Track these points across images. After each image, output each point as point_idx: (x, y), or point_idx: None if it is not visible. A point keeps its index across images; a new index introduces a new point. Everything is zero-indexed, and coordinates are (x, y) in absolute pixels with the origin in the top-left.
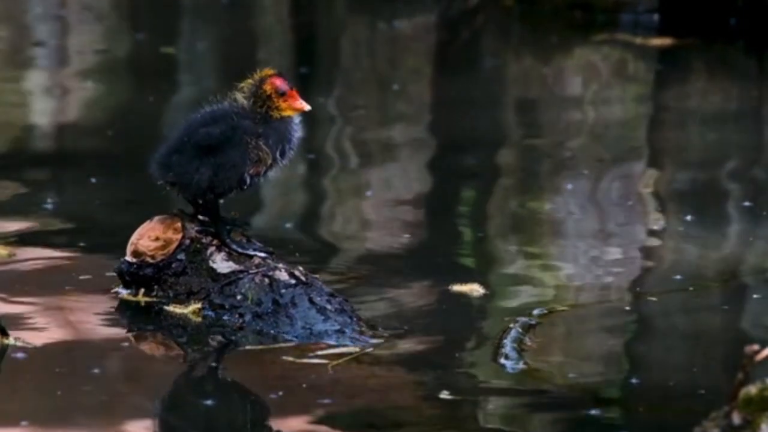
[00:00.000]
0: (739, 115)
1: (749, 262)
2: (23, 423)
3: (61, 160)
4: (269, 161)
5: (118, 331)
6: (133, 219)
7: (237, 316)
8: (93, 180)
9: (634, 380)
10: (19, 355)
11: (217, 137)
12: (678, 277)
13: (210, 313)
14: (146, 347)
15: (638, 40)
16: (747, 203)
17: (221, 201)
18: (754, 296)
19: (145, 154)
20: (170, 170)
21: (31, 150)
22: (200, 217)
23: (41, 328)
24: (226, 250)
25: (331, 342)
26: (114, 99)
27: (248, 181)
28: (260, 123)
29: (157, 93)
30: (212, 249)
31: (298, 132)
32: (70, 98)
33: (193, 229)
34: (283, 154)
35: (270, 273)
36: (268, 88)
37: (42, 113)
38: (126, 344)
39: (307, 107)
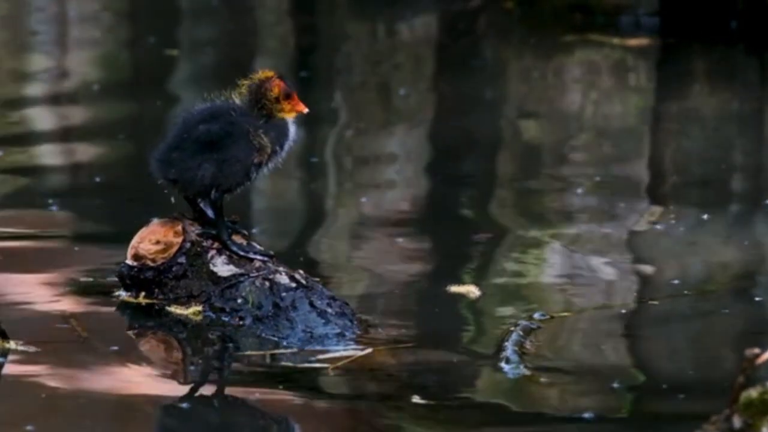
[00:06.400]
0: (740, 117)
1: (749, 266)
2: (28, 428)
3: (67, 161)
4: (269, 150)
5: (119, 334)
6: (135, 220)
7: (237, 319)
8: (97, 179)
9: (634, 384)
10: (20, 358)
11: (217, 133)
12: (678, 280)
13: (210, 315)
14: (147, 350)
15: (615, 41)
16: (748, 206)
17: (227, 198)
18: (756, 299)
19: (150, 154)
20: (171, 168)
21: (36, 152)
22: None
23: (42, 332)
24: (227, 253)
25: (332, 345)
26: (119, 101)
27: (252, 174)
28: (259, 120)
29: (161, 94)
30: (213, 252)
31: (294, 130)
32: (75, 100)
33: (193, 232)
34: (281, 148)
35: (270, 276)
36: (276, 90)
37: (47, 115)
38: (127, 347)
39: (306, 110)
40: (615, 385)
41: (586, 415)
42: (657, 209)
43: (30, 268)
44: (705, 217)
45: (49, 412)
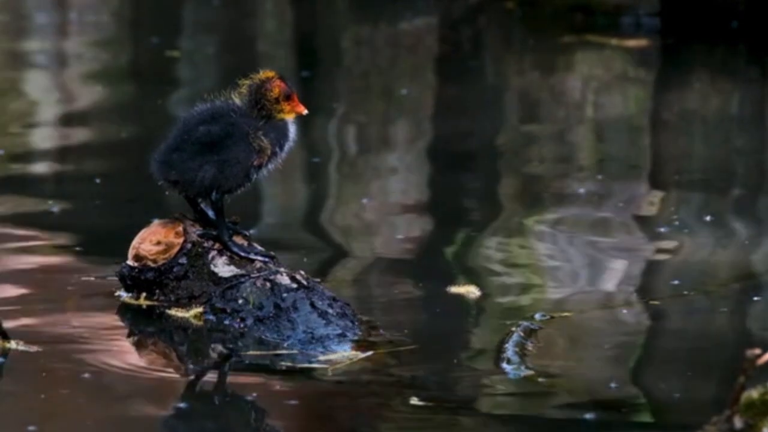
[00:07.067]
0: (742, 117)
1: (750, 265)
2: (30, 429)
3: (67, 162)
4: (269, 152)
5: (120, 335)
6: (136, 221)
7: (238, 320)
8: (97, 180)
9: (634, 385)
10: (20, 358)
11: (218, 135)
12: (678, 280)
13: (211, 317)
14: (148, 352)
15: (614, 42)
16: (749, 206)
17: (226, 200)
18: (755, 299)
19: (150, 155)
20: (172, 169)
21: (36, 153)
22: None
23: (43, 332)
24: (228, 254)
25: (333, 346)
26: (121, 102)
27: (253, 175)
28: (259, 121)
29: (163, 95)
30: (214, 253)
31: (294, 130)
32: (76, 101)
33: (194, 233)
34: (281, 149)
35: (271, 277)
36: (276, 91)
37: (48, 116)
38: (128, 348)
39: (306, 111)
40: (613, 385)
41: (587, 416)
42: (657, 209)
43: (30, 268)
44: (707, 218)
45: (49, 412)
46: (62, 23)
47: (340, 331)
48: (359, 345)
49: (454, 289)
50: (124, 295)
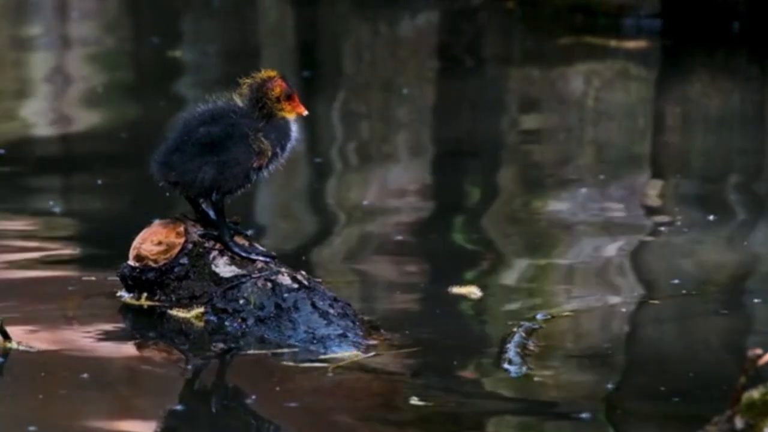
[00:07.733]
0: (743, 119)
1: (750, 266)
2: (30, 429)
3: (69, 162)
4: (269, 153)
5: (121, 335)
6: (137, 221)
7: (239, 320)
8: (99, 182)
9: (632, 385)
10: (20, 358)
11: (218, 136)
12: (678, 281)
13: (212, 317)
14: (149, 352)
15: (613, 43)
16: (749, 208)
17: (227, 201)
18: (756, 300)
19: (151, 156)
20: (172, 170)
21: (38, 153)
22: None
23: (44, 332)
24: (229, 254)
25: (334, 346)
26: (122, 103)
27: (253, 176)
28: (260, 121)
29: (164, 96)
30: (215, 253)
31: (295, 129)
32: (77, 100)
33: (195, 233)
34: (283, 149)
35: (273, 277)
36: (277, 90)
37: (49, 115)
38: (129, 348)
39: (306, 112)
40: (609, 385)
41: (583, 415)
42: (658, 209)
43: (31, 268)
44: (711, 218)
45: (49, 412)
46: (61, 18)
47: (341, 332)
48: (360, 345)
49: (456, 290)
50: (125, 296)
